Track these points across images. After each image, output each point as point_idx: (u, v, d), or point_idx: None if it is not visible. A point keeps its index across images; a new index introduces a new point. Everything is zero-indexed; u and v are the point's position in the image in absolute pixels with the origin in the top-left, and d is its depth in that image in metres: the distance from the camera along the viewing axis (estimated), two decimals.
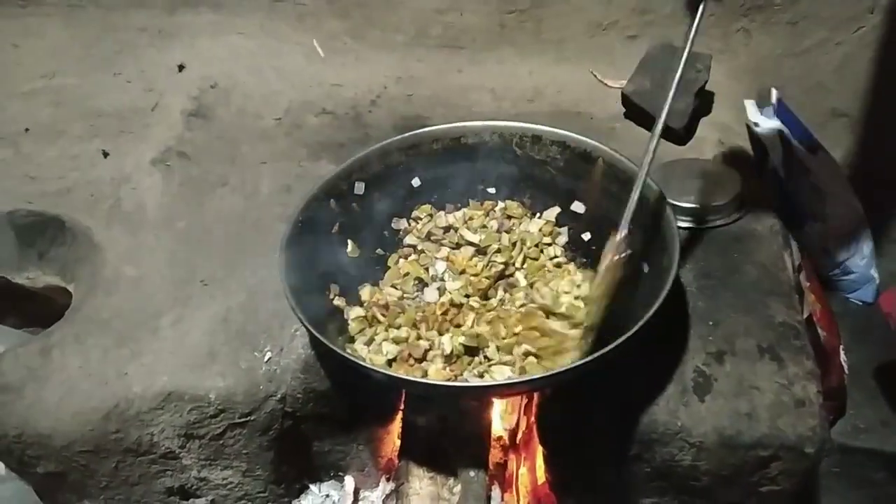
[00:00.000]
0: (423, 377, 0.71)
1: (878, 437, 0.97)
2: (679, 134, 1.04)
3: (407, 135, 0.88)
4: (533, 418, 0.81)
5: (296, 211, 0.79)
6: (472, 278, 0.83)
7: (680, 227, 0.87)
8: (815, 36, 1.15)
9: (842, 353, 1.00)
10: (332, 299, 0.81)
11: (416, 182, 0.88)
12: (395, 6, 1.20)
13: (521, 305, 0.77)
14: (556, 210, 0.87)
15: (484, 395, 0.74)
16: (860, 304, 1.14)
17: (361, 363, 0.67)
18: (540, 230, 0.87)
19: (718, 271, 0.85)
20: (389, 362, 0.75)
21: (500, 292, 0.83)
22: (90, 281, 0.89)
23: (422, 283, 0.86)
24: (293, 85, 1.18)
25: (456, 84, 1.19)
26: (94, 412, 0.78)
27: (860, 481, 0.98)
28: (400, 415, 0.84)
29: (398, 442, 0.85)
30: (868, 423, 0.98)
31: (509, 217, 0.88)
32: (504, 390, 0.70)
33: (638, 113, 1.07)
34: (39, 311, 0.97)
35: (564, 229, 0.87)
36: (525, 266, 0.85)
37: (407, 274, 0.86)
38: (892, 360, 0.98)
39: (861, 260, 1.12)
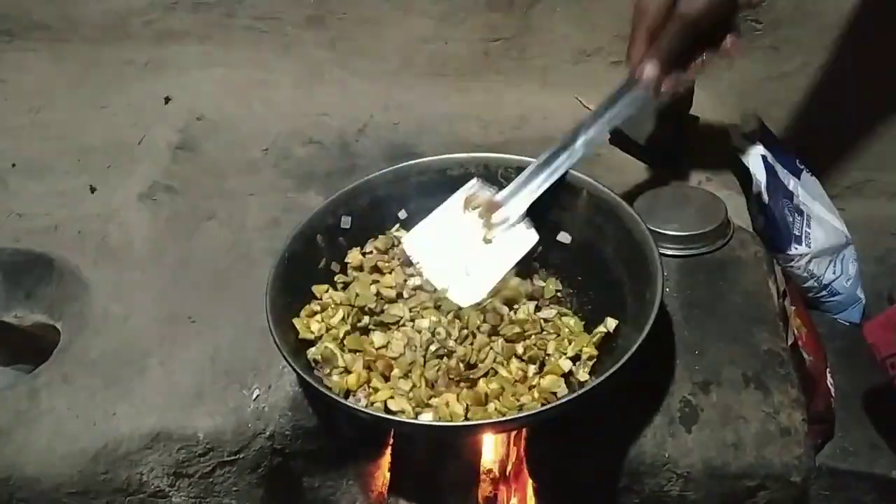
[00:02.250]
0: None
1: (866, 460, 0.97)
2: (662, 160, 1.04)
3: (392, 168, 0.88)
4: (522, 451, 0.81)
5: (282, 248, 0.80)
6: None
7: (665, 255, 0.89)
8: (797, 60, 1.16)
9: (829, 376, 1.01)
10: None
11: (402, 214, 0.89)
12: (381, 35, 1.21)
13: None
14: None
15: (471, 433, 0.75)
16: (847, 324, 1.14)
17: (348, 404, 0.67)
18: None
19: (704, 299, 0.86)
20: None
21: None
22: (78, 320, 0.89)
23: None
24: (280, 115, 1.18)
25: (442, 112, 1.20)
26: (83, 454, 0.78)
27: None
28: (389, 450, 0.84)
29: (388, 476, 0.85)
30: (856, 446, 0.98)
31: None
32: (491, 429, 0.70)
33: (622, 139, 1.07)
34: (30, 347, 0.97)
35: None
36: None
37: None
38: (879, 382, 0.99)
39: (847, 281, 1.13)
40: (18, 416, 0.80)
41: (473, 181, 0.86)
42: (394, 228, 0.88)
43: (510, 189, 0.83)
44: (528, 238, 0.82)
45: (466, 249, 0.82)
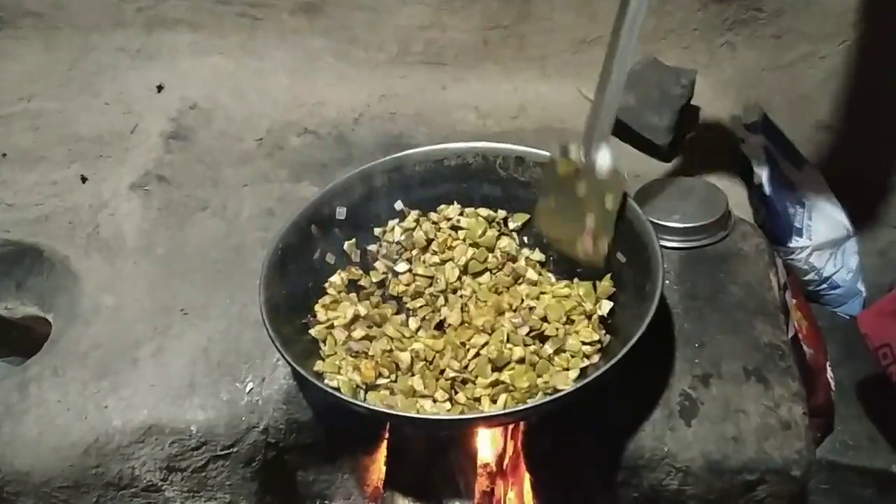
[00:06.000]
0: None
1: (866, 454, 0.97)
2: (664, 151, 1.03)
3: (388, 158, 0.87)
4: (520, 444, 0.80)
5: (276, 238, 0.78)
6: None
7: (666, 247, 0.88)
8: (800, 49, 1.15)
9: (829, 369, 1.00)
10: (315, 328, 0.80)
11: (398, 205, 0.88)
12: (377, 24, 1.20)
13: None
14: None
15: (467, 426, 0.74)
16: (848, 318, 1.14)
17: (344, 397, 0.66)
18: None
19: (704, 292, 0.85)
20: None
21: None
22: (69, 311, 0.88)
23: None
24: (275, 105, 1.17)
25: (440, 101, 1.18)
26: (74, 447, 0.77)
27: (849, 498, 0.97)
28: (385, 443, 0.83)
29: (384, 470, 0.84)
30: (856, 440, 0.98)
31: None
32: (488, 422, 0.69)
33: (623, 129, 1.06)
34: (20, 339, 0.96)
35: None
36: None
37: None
38: (879, 376, 0.98)
39: (847, 274, 1.12)
40: (8, 409, 0.79)
41: None
42: (394, 222, 0.87)
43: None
44: None
45: None
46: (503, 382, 0.71)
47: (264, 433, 0.79)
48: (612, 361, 0.64)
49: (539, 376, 0.72)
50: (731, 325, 0.81)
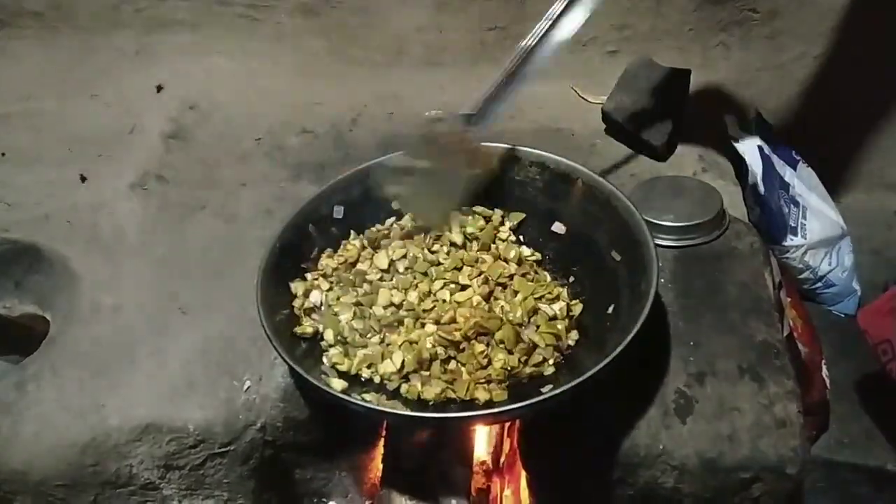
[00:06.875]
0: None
1: (861, 452, 0.97)
2: (659, 150, 1.04)
3: (386, 157, 0.87)
4: (516, 442, 0.81)
5: (273, 237, 0.79)
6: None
7: (661, 246, 0.88)
8: (793, 50, 1.16)
9: (824, 367, 1.01)
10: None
11: (395, 205, 0.88)
12: (375, 24, 1.20)
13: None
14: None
15: (463, 424, 0.74)
16: (843, 316, 1.14)
17: (340, 395, 0.66)
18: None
19: (699, 290, 0.85)
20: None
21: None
22: (67, 310, 0.88)
23: None
24: (273, 105, 1.17)
25: (437, 102, 1.18)
26: (71, 446, 0.77)
27: (845, 496, 0.98)
28: (382, 441, 0.83)
29: (381, 467, 0.84)
30: (851, 437, 0.98)
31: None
32: (484, 420, 0.69)
33: (618, 129, 1.07)
34: (19, 337, 0.96)
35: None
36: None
37: None
38: (874, 374, 0.98)
39: (842, 272, 1.12)
40: (6, 408, 0.79)
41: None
42: (388, 222, 0.87)
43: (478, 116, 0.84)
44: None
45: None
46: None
47: (262, 431, 0.79)
48: (608, 359, 0.64)
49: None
50: (726, 323, 0.82)
